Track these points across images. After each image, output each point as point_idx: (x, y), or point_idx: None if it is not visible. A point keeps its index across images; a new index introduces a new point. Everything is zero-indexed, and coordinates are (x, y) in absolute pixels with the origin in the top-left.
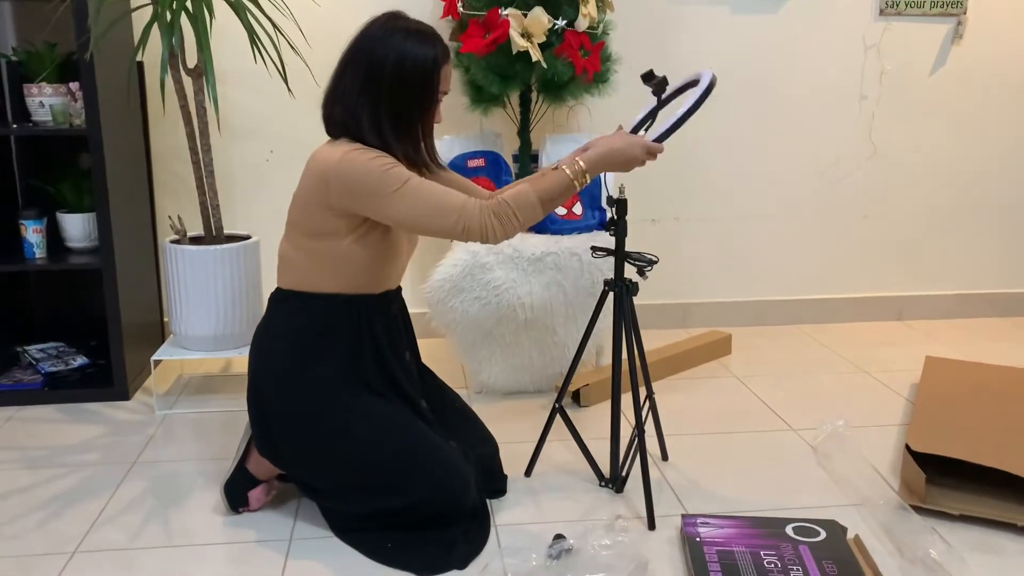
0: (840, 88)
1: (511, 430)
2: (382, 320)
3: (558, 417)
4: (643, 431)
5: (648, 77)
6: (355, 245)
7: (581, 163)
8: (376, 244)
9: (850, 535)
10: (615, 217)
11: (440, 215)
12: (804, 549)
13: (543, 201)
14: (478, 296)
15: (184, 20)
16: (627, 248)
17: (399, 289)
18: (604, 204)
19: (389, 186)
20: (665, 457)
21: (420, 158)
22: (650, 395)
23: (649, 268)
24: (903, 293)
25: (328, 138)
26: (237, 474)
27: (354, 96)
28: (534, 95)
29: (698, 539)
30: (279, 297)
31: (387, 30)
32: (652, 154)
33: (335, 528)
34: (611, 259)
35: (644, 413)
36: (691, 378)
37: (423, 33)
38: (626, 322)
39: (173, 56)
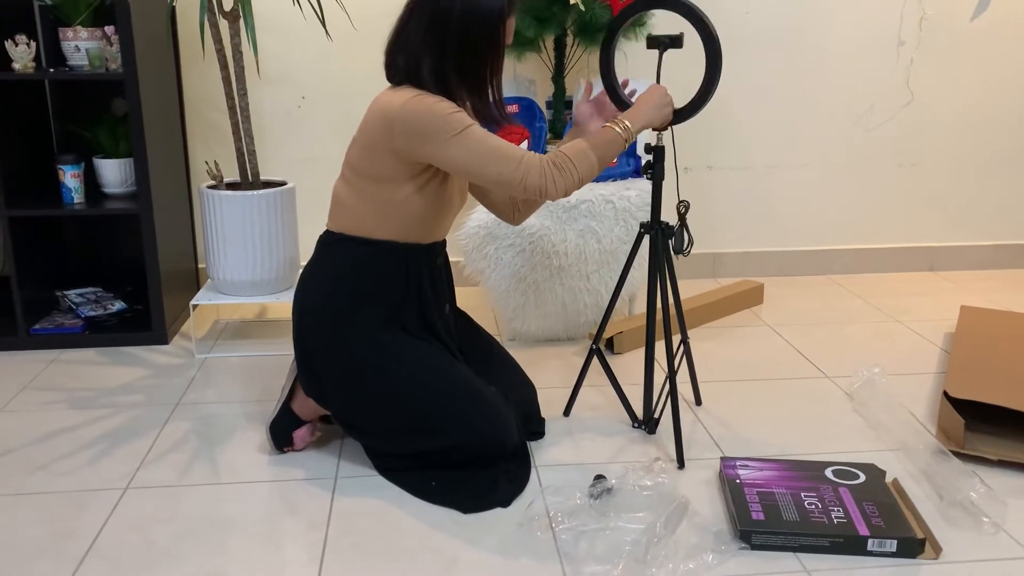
0: (878, 34)
1: (545, 376)
2: (428, 271)
3: (594, 361)
4: (674, 374)
5: (655, 42)
6: (414, 193)
7: (627, 122)
8: (433, 194)
9: (888, 479)
10: (660, 157)
11: (500, 161)
12: (844, 491)
13: (599, 157)
14: (512, 243)
15: None
16: (662, 194)
17: (445, 242)
18: (641, 151)
19: (452, 129)
20: (699, 402)
21: (489, 111)
22: (684, 340)
23: (685, 250)
24: (936, 244)
25: (388, 85)
26: (282, 414)
27: (418, 44)
28: (569, 39)
29: (738, 480)
30: (329, 240)
31: None
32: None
33: (379, 467)
34: (646, 206)
35: (680, 357)
36: (723, 327)
37: None
38: (662, 265)
39: (210, 0)
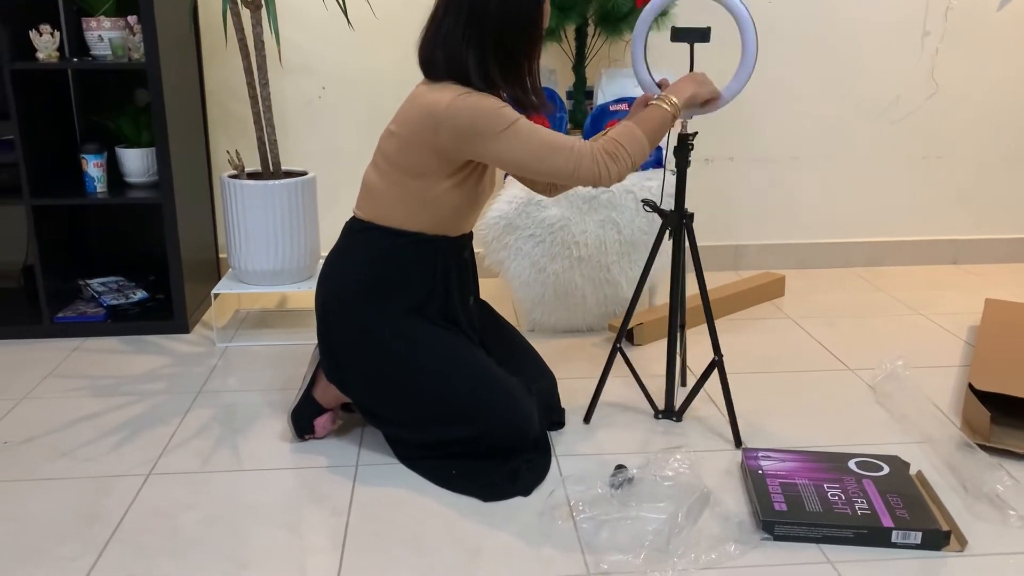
0: (903, 23)
1: (565, 367)
2: (456, 263)
3: (617, 357)
4: (722, 355)
5: (682, 35)
6: (451, 189)
7: (674, 99)
8: (470, 190)
9: (913, 471)
10: (685, 143)
11: (553, 153)
12: (868, 483)
13: (649, 137)
14: (532, 234)
15: None
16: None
17: (471, 234)
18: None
19: (501, 124)
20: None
21: (529, 100)
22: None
23: (650, 209)
24: (959, 237)
25: (424, 78)
26: (304, 402)
27: (459, 38)
28: (591, 28)
29: (760, 471)
30: (356, 227)
31: None
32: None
33: (400, 456)
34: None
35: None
36: (745, 318)
37: None
38: (685, 255)
39: None
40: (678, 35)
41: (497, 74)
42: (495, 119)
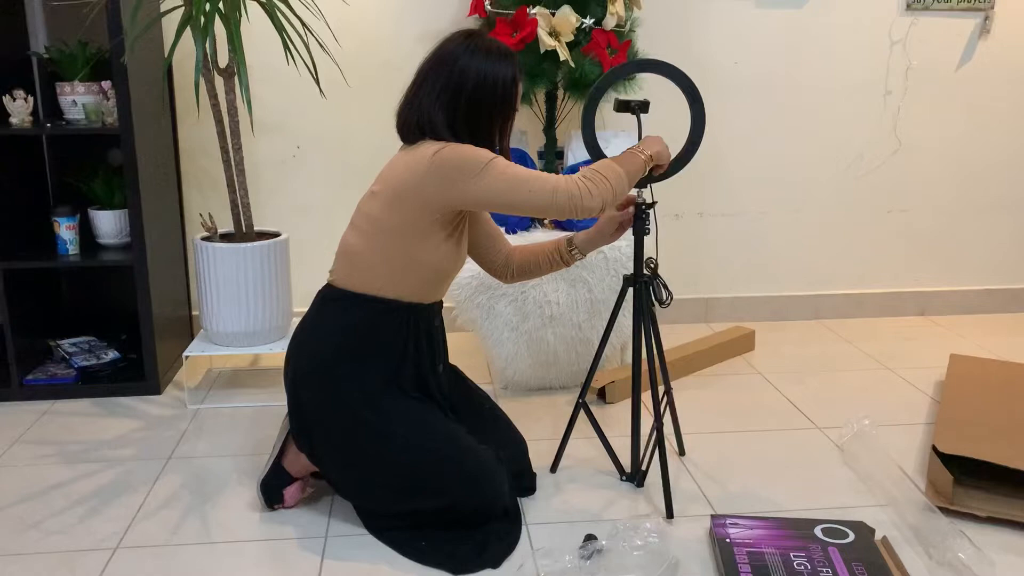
0: (865, 83)
1: (537, 427)
2: (427, 331)
3: (582, 413)
4: (661, 427)
5: (625, 106)
6: (436, 247)
7: (648, 152)
8: (452, 248)
9: (878, 536)
10: (641, 213)
11: (531, 182)
12: (833, 551)
13: (627, 171)
14: (504, 293)
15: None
16: (655, 247)
17: (442, 303)
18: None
19: (480, 163)
20: (682, 452)
21: None
22: (668, 391)
23: (666, 302)
24: (926, 288)
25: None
26: (273, 472)
27: (431, 103)
28: (560, 93)
29: (728, 540)
30: (332, 296)
31: (467, 48)
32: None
33: (369, 527)
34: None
35: (663, 408)
36: (715, 374)
37: (502, 52)
38: (645, 316)
39: (206, 56)
40: (623, 107)
41: (466, 134)
42: (475, 159)
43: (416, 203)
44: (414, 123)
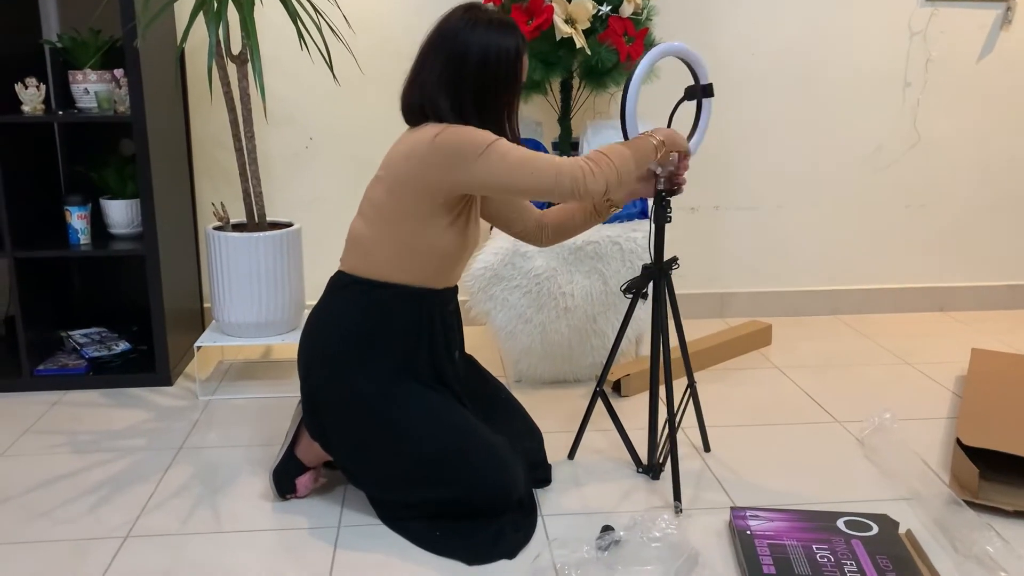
0: (884, 75)
1: (551, 419)
2: (440, 317)
3: (599, 405)
4: (674, 417)
5: (695, 93)
6: (441, 232)
7: (660, 137)
8: (458, 234)
9: (902, 530)
10: (660, 201)
11: (534, 164)
12: (857, 543)
13: (634, 154)
14: (518, 284)
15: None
16: (665, 238)
17: (456, 288)
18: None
19: (484, 142)
20: (707, 448)
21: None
22: (691, 384)
23: (644, 295)
24: (945, 284)
25: (407, 127)
26: (285, 460)
27: (434, 83)
28: (575, 82)
29: (748, 532)
30: (341, 282)
31: (468, 21)
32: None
33: (383, 516)
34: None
35: (684, 401)
36: (732, 368)
37: (504, 23)
38: (666, 308)
39: (219, 43)
40: (690, 94)
41: (472, 114)
42: (475, 141)
43: (418, 188)
44: (417, 105)
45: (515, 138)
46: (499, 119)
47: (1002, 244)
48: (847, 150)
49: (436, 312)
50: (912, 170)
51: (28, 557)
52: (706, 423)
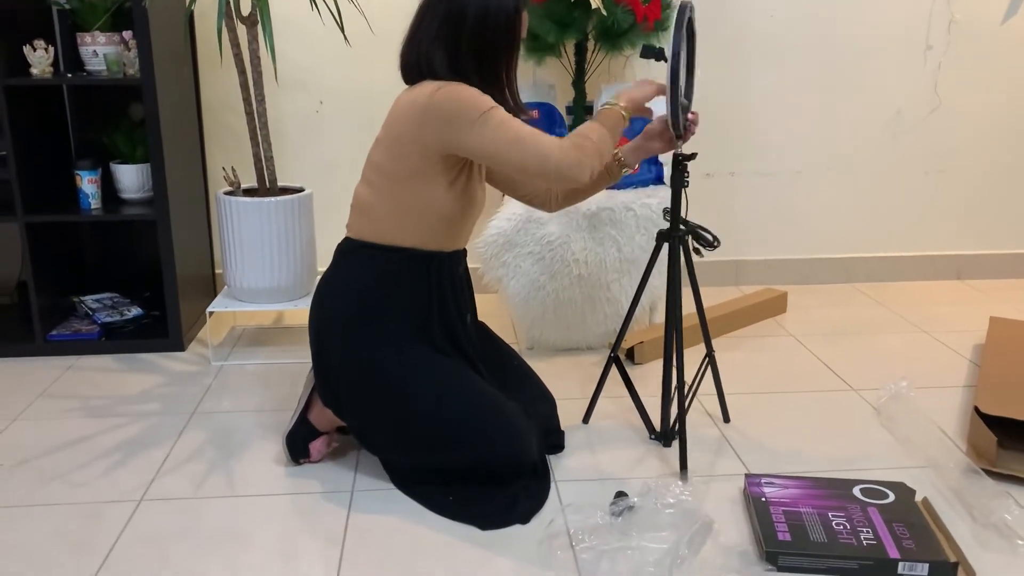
0: (905, 38)
1: (564, 386)
2: (450, 280)
3: (613, 371)
4: (683, 385)
5: (648, 53)
6: (443, 192)
7: (622, 103)
8: (460, 193)
9: (918, 497)
10: (680, 165)
11: (526, 145)
12: (873, 511)
13: (611, 131)
14: (531, 251)
15: None
16: (682, 203)
17: (465, 251)
18: (663, 158)
19: (479, 108)
20: (727, 419)
21: (505, 105)
22: (709, 353)
23: (709, 248)
24: (962, 252)
25: (406, 86)
26: (299, 425)
27: (431, 39)
28: (590, 44)
29: (764, 499)
30: (349, 248)
31: None
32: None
33: (396, 481)
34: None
35: (702, 370)
36: (747, 336)
37: None
38: (684, 274)
39: (228, 5)
40: (647, 53)
41: (472, 75)
42: (473, 105)
43: (415, 147)
44: (414, 63)
45: (514, 97)
46: (498, 77)
47: (1022, 212)
48: (866, 115)
49: (446, 275)
50: (932, 135)
51: (43, 520)
52: (725, 394)
